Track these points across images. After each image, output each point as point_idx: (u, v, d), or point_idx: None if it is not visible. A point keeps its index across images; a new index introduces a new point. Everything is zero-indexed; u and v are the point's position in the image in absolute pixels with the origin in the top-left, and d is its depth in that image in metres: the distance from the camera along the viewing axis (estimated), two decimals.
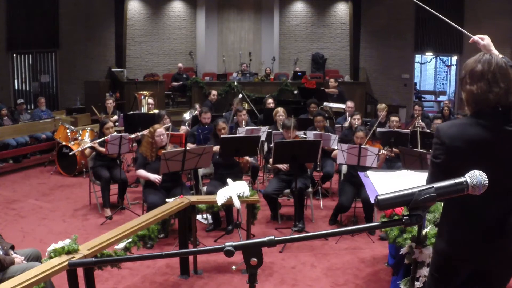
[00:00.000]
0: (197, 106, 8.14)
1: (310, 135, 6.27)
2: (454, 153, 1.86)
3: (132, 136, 6.17)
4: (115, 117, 7.89)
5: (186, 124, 7.48)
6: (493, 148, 1.83)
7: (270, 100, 8.55)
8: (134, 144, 7.06)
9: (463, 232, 1.93)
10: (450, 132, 1.89)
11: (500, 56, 1.98)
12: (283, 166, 5.16)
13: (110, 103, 8.32)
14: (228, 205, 4.23)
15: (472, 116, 1.89)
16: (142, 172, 4.88)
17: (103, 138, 5.72)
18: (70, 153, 6.78)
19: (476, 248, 1.90)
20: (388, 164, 5.87)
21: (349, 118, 7.26)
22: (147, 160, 4.91)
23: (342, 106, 8.67)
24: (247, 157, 5.36)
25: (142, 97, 8.72)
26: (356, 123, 6.57)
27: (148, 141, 4.98)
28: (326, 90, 10.29)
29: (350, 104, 7.95)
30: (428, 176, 1.99)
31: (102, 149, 5.69)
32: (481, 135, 1.84)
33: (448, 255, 1.98)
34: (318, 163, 6.06)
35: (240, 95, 8.80)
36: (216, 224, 5.14)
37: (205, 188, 5.48)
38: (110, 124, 5.99)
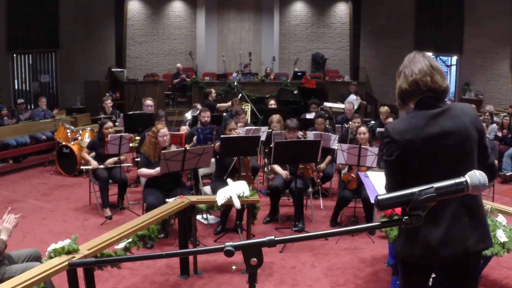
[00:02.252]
0: (198, 106, 8.12)
1: (310, 135, 6.27)
2: (406, 147, 1.91)
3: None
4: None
5: (187, 124, 7.47)
6: (439, 135, 1.91)
7: (272, 102, 8.53)
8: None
9: (421, 231, 1.92)
10: (398, 128, 1.96)
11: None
12: (283, 173, 5.15)
13: (108, 103, 8.32)
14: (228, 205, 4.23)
15: (414, 110, 2.01)
16: (144, 171, 4.86)
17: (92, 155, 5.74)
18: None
19: (435, 245, 1.91)
20: None
21: (350, 123, 7.18)
22: (150, 160, 4.89)
23: (342, 106, 8.69)
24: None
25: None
26: (357, 125, 6.57)
27: (152, 141, 4.96)
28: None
29: (348, 106, 7.94)
30: (386, 179, 2.03)
31: (94, 164, 5.71)
32: (425, 124, 1.92)
33: (410, 257, 1.99)
34: (318, 161, 6.06)
35: (240, 95, 8.77)
36: (223, 225, 5.13)
37: (205, 188, 5.48)
38: (110, 124, 5.98)
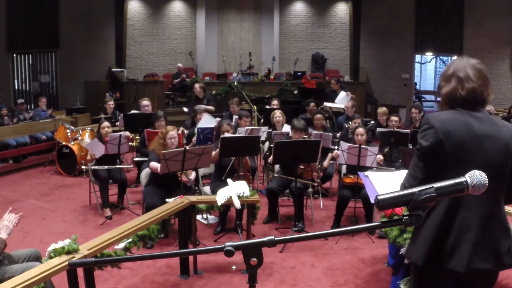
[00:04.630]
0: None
1: (314, 135, 6.26)
2: (445, 135, 1.83)
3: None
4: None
5: (185, 123, 7.46)
6: (480, 136, 1.83)
7: (275, 101, 8.51)
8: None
9: (444, 238, 1.85)
10: (439, 116, 1.88)
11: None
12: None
13: (111, 104, 8.34)
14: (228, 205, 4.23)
15: (457, 109, 1.92)
16: (155, 164, 4.82)
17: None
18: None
19: (460, 253, 1.83)
20: (388, 164, 5.86)
21: (350, 123, 7.13)
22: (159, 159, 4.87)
23: (342, 106, 8.67)
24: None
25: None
26: (357, 126, 6.57)
27: (160, 143, 4.96)
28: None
29: (348, 104, 7.91)
30: (410, 171, 1.92)
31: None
32: (468, 121, 1.85)
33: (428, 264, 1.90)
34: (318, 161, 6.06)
35: (235, 98, 8.56)
36: (223, 224, 5.13)
37: (205, 188, 5.48)
38: (107, 123, 5.97)
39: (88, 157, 5.68)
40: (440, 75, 2.05)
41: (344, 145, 5.13)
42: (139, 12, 13.46)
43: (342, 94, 9.41)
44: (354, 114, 7.51)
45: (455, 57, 2.05)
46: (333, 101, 9.40)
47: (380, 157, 5.23)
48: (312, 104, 8.14)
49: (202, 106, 7.78)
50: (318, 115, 6.65)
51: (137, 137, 6.93)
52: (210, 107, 8.10)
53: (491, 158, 1.83)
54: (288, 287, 3.87)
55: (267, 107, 8.61)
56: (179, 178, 4.76)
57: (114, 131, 6.20)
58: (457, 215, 1.84)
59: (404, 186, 1.91)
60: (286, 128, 6.54)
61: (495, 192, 1.84)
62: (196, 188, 5.18)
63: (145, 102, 7.61)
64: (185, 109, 9.72)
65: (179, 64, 12.49)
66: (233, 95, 10.90)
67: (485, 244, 1.83)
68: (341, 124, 7.61)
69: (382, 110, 7.56)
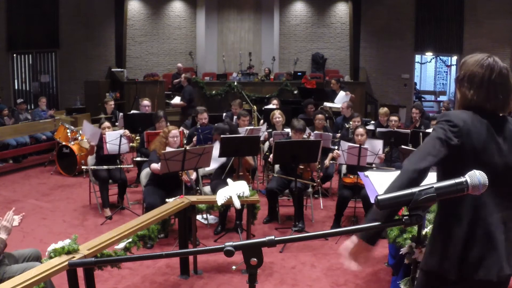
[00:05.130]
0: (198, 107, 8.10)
1: (313, 135, 6.26)
2: (467, 136, 1.70)
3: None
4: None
5: (185, 123, 7.47)
6: (499, 141, 1.73)
7: (274, 101, 8.50)
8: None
9: (469, 247, 1.74)
10: (460, 115, 1.74)
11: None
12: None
13: (111, 104, 8.34)
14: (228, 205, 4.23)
15: (475, 112, 1.77)
16: (156, 166, 4.80)
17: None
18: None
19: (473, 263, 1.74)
20: (388, 164, 5.87)
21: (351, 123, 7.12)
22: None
23: (340, 106, 8.66)
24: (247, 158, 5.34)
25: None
26: (357, 125, 6.57)
27: (162, 142, 4.96)
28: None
29: (343, 105, 7.88)
30: (425, 149, 1.74)
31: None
32: (488, 123, 1.74)
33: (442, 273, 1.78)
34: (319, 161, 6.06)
35: (238, 100, 8.56)
36: (223, 224, 5.13)
37: (205, 188, 5.48)
38: (107, 124, 5.97)
39: (87, 145, 5.67)
40: (466, 71, 1.82)
41: (344, 145, 5.13)
42: (139, 12, 13.46)
43: (342, 94, 9.41)
44: (354, 113, 7.50)
45: (455, 57, 1.84)
46: (332, 101, 9.39)
47: (382, 155, 5.24)
48: (310, 105, 8.13)
49: (175, 102, 7.71)
50: (320, 115, 6.65)
51: (137, 138, 6.94)
52: (180, 103, 7.95)
53: (510, 161, 1.75)
54: (288, 287, 3.87)
55: (265, 107, 8.56)
56: (181, 177, 4.77)
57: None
58: (480, 222, 1.75)
59: (408, 166, 1.74)
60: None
61: None
62: (198, 188, 5.18)
63: (146, 102, 7.62)
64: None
65: (179, 64, 12.49)
66: (233, 95, 10.90)
67: (510, 248, 1.77)
68: (339, 125, 7.60)
69: (383, 110, 7.50)
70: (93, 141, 5.71)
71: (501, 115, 1.79)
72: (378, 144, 5.15)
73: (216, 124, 5.78)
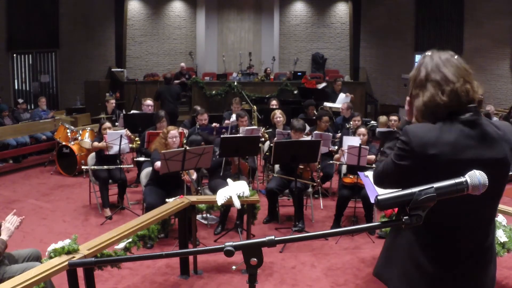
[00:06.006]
0: (197, 108, 8.09)
1: (314, 135, 6.26)
2: (425, 162, 1.54)
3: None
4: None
5: (183, 123, 7.47)
6: (472, 161, 1.50)
7: (274, 102, 8.51)
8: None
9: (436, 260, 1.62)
10: (421, 135, 1.55)
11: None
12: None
13: (112, 103, 8.33)
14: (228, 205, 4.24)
15: (446, 121, 1.58)
16: (160, 164, 4.75)
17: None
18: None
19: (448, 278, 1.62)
20: None
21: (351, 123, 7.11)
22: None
23: (339, 106, 8.67)
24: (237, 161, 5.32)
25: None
26: (357, 124, 6.57)
27: (162, 142, 4.98)
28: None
29: (343, 106, 7.88)
30: (382, 171, 1.67)
31: (102, 144, 5.69)
32: (458, 142, 1.54)
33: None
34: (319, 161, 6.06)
35: (237, 98, 8.56)
36: (223, 224, 5.13)
37: (205, 188, 5.48)
38: (108, 124, 5.97)
39: (87, 145, 5.63)
40: (410, 80, 1.69)
41: (345, 144, 5.13)
42: (139, 12, 13.46)
43: (342, 95, 9.44)
44: (354, 112, 7.50)
45: (427, 53, 1.63)
46: (333, 101, 9.41)
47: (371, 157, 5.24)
48: (311, 106, 8.14)
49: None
50: (326, 117, 6.64)
51: (137, 139, 6.94)
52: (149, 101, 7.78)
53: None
54: (288, 287, 3.87)
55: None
56: (182, 177, 4.77)
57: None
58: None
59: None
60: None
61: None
62: (199, 188, 5.18)
63: (148, 102, 7.62)
64: None
65: (182, 64, 12.46)
66: (233, 95, 10.89)
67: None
68: (339, 125, 7.61)
69: (383, 119, 7.34)
70: (112, 149, 5.67)
71: (476, 114, 1.57)
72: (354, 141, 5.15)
73: (189, 138, 5.77)
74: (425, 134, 1.55)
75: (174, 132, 4.98)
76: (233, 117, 7.30)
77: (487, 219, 1.67)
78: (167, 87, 9.80)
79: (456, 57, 1.63)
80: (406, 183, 1.44)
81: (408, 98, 1.75)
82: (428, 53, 1.67)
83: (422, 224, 1.25)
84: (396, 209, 1.34)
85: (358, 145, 5.02)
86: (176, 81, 12.15)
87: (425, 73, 1.62)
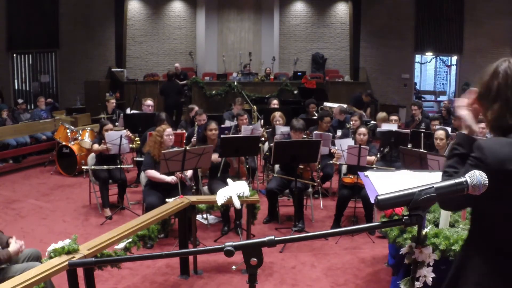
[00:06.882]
0: (195, 107, 8.09)
1: (314, 135, 6.26)
2: (503, 181, 1.42)
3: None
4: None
5: (182, 123, 7.48)
6: None
7: (275, 101, 8.51)
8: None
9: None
10: (498, 152, 1.43)
11: None
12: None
13: (113, 103, 8.32)
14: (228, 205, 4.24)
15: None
16: (154, 173, 4.78)
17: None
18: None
19: None
20: (388, 164, 5.87)
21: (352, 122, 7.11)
22: (155, 160, 4.85)
23: (342, 105, 8.66)
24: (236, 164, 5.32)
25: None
26: (356, 124, 6.58)
27: (157, 141, 4.94)
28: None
29: (336, 110, 7.89)
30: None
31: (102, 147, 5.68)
32: None
33: None
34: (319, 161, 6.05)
35: (239, 99, 8.58)
36: (228, 224, 5.12)
37: (205, 188, 5.48)
38: (110, 126, 5.96)
39: (87, 145, 5.64)
40: (482, 87, 1.58)
41: (344, 144, 5.13)
42: (139, 12, 13.46)
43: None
44: (347, 115, 7.50)
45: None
46: (354, 105, 9.79)
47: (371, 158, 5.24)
48: (312, 105, 8.14)
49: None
50: (327, 118, 6.65)
51: (137, 139, 6.94)
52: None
53: None
54: (288, 287, 3.87)
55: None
56: (181, 176, 4.78)
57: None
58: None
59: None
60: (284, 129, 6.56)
61: None
62: (193, 184, 5.16)
63: (149, 102, 7.62)
64: None
65: (176, 64, 12.36)
66: (233, 95, 10.90)
67: None
68: (335, 128, 7.60)
69: (381, 115, 7.32)
70: (112, 149, 5.66)
71: None
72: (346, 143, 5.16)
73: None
74: (500, 149, 1.44)
75: (170, 130, 5.02)
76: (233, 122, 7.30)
77: None
78: (170, 83, 10.44)
79: None
80: (480, 201, 1.41)
81: (469, 102, 1.64)
82: (505, 63, 1.55)
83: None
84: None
85: (353, 145, 5.03)
86: (181, 82, 12.15)
87: (496, 86, 1.52)
